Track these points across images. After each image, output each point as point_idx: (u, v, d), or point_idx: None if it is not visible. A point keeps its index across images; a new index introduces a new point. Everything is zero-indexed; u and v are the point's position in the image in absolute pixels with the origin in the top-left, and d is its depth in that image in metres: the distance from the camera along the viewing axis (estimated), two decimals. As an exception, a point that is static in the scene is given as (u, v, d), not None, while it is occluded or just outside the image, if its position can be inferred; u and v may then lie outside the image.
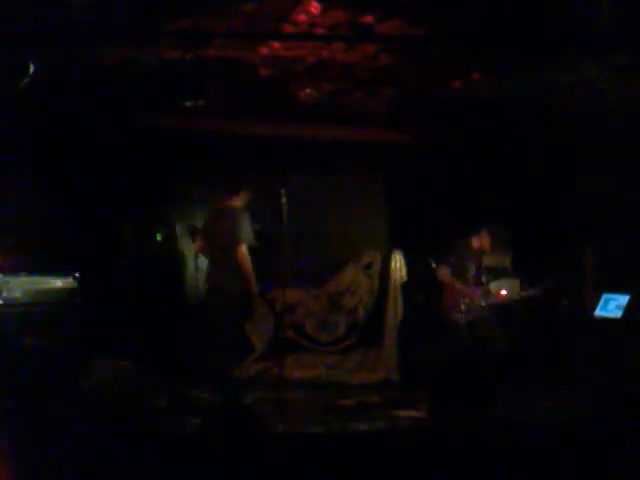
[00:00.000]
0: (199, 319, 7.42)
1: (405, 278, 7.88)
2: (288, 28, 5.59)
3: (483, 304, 7.05)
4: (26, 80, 5.66)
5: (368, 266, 8.23)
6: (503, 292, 7.61)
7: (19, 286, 6.55)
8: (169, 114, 7.41)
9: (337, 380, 7.58)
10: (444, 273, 7.13)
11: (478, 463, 3.18)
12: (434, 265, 7.44)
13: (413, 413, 5.88)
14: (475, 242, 7.20)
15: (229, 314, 6.56)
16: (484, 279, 7.23)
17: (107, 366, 5.94)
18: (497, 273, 7.70)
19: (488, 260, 7.71)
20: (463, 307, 6.99)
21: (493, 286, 7.44)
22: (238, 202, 6.72)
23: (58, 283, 6.70)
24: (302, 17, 5.41)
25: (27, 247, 6.99)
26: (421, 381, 6.46)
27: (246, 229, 6.56)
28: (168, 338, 7.14)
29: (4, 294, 6.47)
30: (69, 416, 5.03)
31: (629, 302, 7.17)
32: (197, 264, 7.84)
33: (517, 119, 7.40)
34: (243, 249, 6.47)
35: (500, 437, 3.45)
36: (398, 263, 7.87)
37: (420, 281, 7.86)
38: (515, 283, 7.66)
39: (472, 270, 7.18)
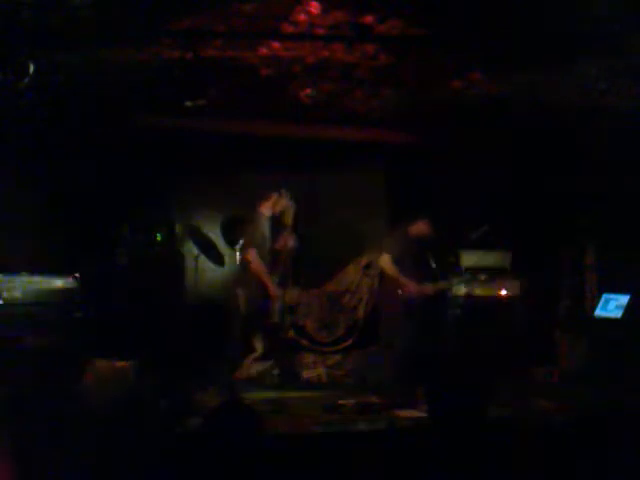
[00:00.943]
0: (200, 319, 7.44)
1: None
2: (288, 28, 5.58)
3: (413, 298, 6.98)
4: (26, 80, 5.65)
5: (368, 266, 8.22)
6: (503, 292, 7.61)
7: (19, 286, 6.56)
8: (169, 114, 7.41)
9: (337, 380, 7.58)
10: (385, 262, 7.00)
11: (478, 463, 3.18)
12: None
13: (413, 413, 5.88)
14: (413, 230, 7.12)
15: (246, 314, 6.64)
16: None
17: (107, 366, 5.93)
18: (497, 273, 7.70)
19: (487, 260, 7.71)
20: (400, 294, 6.91)
21: (492, 285, 7.44)
22: (266, 209, 6.78)
23: (58, 283, 6.71)
24: (302, 17, 5.40)
25: (27, 247, 6.99)
26: (421, 381, 6.46)
27: (258, 235, 6.61)
28: (168, 338, 7.14)
29: (4, 294, 6.47)
30: (69, 416, 5.02)
31: (629, 302, 7.17)
32: (197, 265, 7.87)
33: (517, 119, 7.40)
34: (250, 253, 6.55)
35: (500, 437, 3.45)
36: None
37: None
38: (515, 283, 7.66)
39: (414, 259, 7.09)
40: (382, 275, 7.17)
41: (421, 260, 7.10)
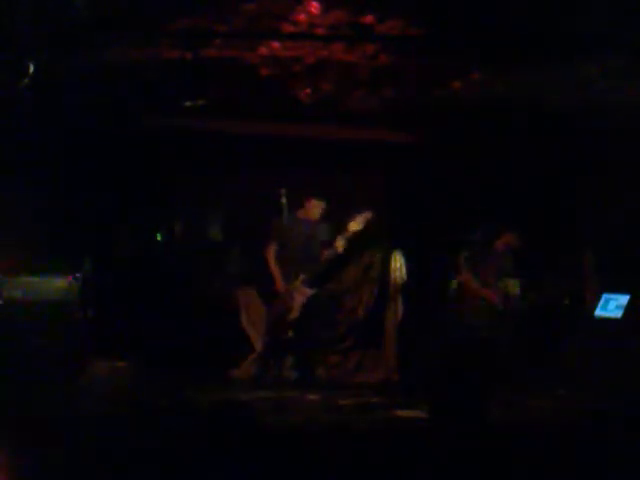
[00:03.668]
0: (200, 318, 7.44)
1: (405, 278, 7.87)
2: (288, 28, 5.59)
3: (500, 308, 7.07)
4: (26, 80, 5.66)
5: (368, 266, 8.21)
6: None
7: (19, 286, 6.56)
8: (169, 114, 7.41)
9: (337, 380, 7.58)
10: (466, 276, 7.11)
11: (478, 463, 3.18)
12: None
13: (413, 413, 5.88)
14: (500, 244, 7.20)
15: None
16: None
17: (107, 366, 5.94)
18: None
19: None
20: (480, 310, 7.00)
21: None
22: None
23: (58, 283, 6.70)
24: (302, 17, 5.41)
25: (27, 247, 6.99)
26: (421, 381, 6.46)
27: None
28: (168, 337, 7.14)
29: (4, 294, 6.47)
30: (68, 416, 5.03)
31: (629, 302, 7.17)
32: (198, 264, 7.87)
33: (517, 119, 7.40)
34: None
35: (499, 437, 3.46)
36: (398, 263, 7.87)
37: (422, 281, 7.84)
38: (515, 283, 7.65)
39: (494, 273, 7.17)
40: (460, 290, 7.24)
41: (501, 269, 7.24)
